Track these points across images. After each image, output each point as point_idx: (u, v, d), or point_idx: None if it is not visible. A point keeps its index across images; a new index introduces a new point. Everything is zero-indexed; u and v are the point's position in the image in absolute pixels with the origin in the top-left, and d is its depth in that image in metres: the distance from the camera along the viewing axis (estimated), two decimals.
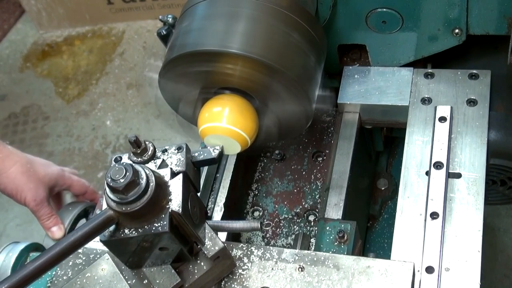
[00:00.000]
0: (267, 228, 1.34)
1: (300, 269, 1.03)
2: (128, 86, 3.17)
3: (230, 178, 1.33)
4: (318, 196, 1.36)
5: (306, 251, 1.06)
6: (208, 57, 1.08)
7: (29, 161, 1.34)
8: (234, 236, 1.31)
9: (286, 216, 1.36)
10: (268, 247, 1.08)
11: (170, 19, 1.26)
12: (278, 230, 1.34)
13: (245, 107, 1.13)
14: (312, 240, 1.27)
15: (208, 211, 1.29)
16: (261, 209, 1.38)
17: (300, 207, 1.36)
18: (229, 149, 1.16)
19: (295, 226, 1.34)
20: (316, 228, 1.30)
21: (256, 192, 1.40)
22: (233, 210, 1.34)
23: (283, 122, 1.20)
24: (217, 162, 1.08)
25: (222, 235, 1.22)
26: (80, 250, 1.13)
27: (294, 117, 1.18)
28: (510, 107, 1.31)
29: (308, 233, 1.31)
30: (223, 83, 1.13)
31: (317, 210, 1.34)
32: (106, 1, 3.38)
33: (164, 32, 1.25)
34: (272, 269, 1.04)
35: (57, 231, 1.34)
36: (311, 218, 1.34)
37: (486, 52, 1.39)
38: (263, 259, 1.06)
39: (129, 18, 3.45)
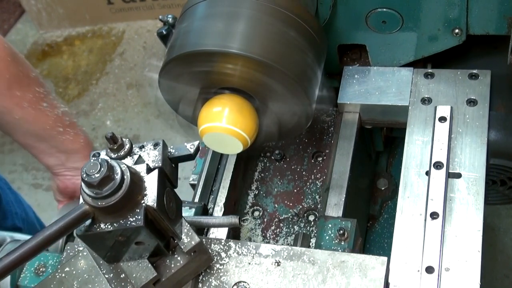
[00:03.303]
0: (245, 224, 1.34)
1: (276, 264, 1.05)
2: (128, 86, 3.17)
3: (230, 178, 1.33)
4: (318, 196, 1.36)
5: (283, 246, 1.07)
6: (208, 57, 1.08)
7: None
8: (235, 236, 1.31)
9: (286, 216, 1.36)
10: (245, 242, 1.10)
11: (170, 19, 1.26)
12: (278, 230, 1.35)
13: (245, 107, 1.13)
14: (312, 240, 1.27)
15: (208, 211, 1.30)
16: (261, 209, 1.38)
17: (300, 207, 1.36)
18: (229, 149, 1.16)
19: (295, 226, 1.34)
20: (316, 228, 1.30)
21: (256, 192, 1.41)
22: (233, 210, 1.34)
23: (283, 122, 1.20)
24: (194, 158, 1.10)
25: (223, 234, 1.23)
26: (81, 248, 1.13)
27: (294, 117, 1.18)
28: (510, 107, 1.31)
29: (308, 233, 1.31)
30: (223, 83, 1.13)
31: (317, 210, 1.34)
32: (106, 1, 3.39)
33: (164, 32, 1.25)
34: (249, 263, 1.06)
35: None
36: (311, 218, 1.34)
37: (486, 52, 1.39)
38: (240, 254, 1.08)
39: (129, 18, 3.45)
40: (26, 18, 3.64)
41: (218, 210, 1.29)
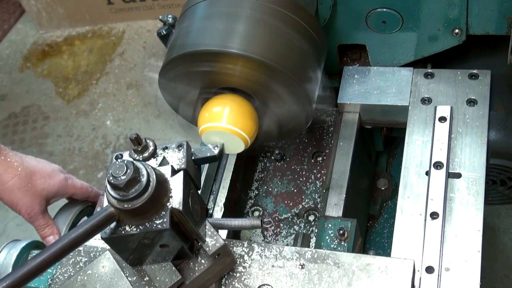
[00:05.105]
0: (268, 226, 1.34)
1: (300, 267, 1.04)
2: (128, 86, 3.17)
3: (230, 178, 1.33)
4: (318, 196, 1.36)
5: (306, 249, 1.06)
6: (208, 57, 1.08)
7: (29, 174, 1.33)
8: (235, 236, 1.30)
9: (286, 216, 1.36)
10: (269, 244, 1.08)
11: (170, 19, 1.26)
12: (278, 230, 1.34)
13: (245, 107, 1.13)
14: (312, 241, 1.27)
15: (208, 211, 1.29)
16: (261, 209, 1.38)
17: (300, 207, 1.36)
18: (229, 149, 1.16)
19: (295, 226, 1.34)
20: (316, 228, 1.30)
21: (256, 192, 1.41)
22: (233, 210, 1.34)
23: (283, 122, 1.20)
24: (218, 159, 1.09)
25: (223, 234, 1.23)
26: (80, 248, 1.13)
27: (294, 117, 1.18)
28: (510, 107, 1.31)
29: (308, 233, 1.31)
30: (223, 83, 1.13)
31: (317, 210, 1.34)
32: (106, 1, 3.38)
33: (164, 32, 1.25)
34: (273, 266, 1.05)
35: (53, 240, 1.34)
36: (311, 218, 1.34)
37: (486, 52, 1.39)
38: (263, 256, 1.06)
39: (129, 18, 3.45)
40: (26, 18, 3.64)
41: (218, 210, 1.29)
